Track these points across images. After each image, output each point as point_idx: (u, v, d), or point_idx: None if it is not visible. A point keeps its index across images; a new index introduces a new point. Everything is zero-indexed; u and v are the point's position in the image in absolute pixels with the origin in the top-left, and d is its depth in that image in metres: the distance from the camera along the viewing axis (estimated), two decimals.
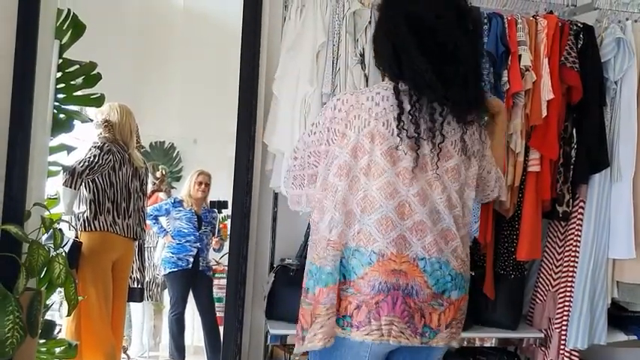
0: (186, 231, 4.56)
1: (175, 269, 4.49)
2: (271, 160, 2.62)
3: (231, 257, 2.47)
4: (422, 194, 1.50)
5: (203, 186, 4.65)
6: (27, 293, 2.23)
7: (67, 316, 2.64)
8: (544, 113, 2.42)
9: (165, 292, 4.87)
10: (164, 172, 5.22)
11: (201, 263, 4.59)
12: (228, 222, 4.78)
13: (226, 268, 4.98)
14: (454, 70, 1.50)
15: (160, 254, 4.67)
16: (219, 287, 4.87)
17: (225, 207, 4.74)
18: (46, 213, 2.66)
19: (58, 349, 2.66)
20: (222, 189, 4.62)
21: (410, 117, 1.50)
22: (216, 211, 4.80)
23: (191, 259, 4.53)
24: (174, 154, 5.95)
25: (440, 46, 1.50)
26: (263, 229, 2.71)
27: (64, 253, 2.46)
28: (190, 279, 4.53)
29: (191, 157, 5.81)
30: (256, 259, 2.66)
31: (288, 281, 2.60)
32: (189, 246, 4.54)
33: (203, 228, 4.65)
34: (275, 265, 2.70)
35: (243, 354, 2.49)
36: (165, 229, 4.64)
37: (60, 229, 2.52)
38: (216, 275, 4.97)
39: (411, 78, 1.52)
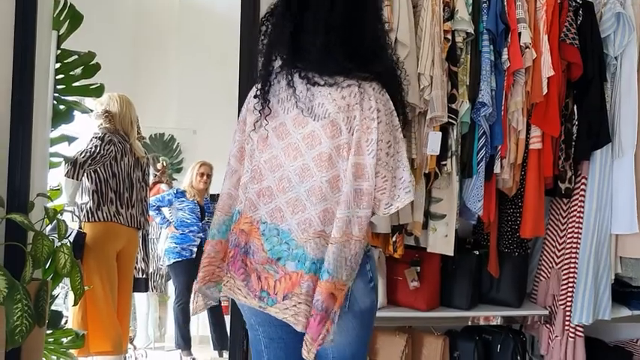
0: (189, 221, 4.57)
1: (179, 259, 4.51)
2: None
3: None
4: (272, 161, 1.55)
5: (205, 177, 4.66)
6: (33, 283, 2.24)
7: (74, 305, 2.64)
8: (545, 90, 2.43)
9: (170, 284, 4.88)
10: (165, 164, 5.23)
11: None
12: None
13: None
14: (289, 33, 1.53)
15: (163, 245, 4.68)
16: None
17: None
18: (50, 204, 2.67)
19: (65, 339, 2.67)
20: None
21: (260, 80, 1.58)
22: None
23: (195, 249, 4.54)
24: (175, 146, 5.95)
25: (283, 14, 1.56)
26: None
27: (68, 244, 2.47)
28: (194, 269, 4.52)
29: (191, 148, 5.80)
30: None
31: None
32: (192, 236, 4.56)
33: (206, 218, 4.66)
34: None
35: None
36: (168, 220, 4.65)
37: (63, 220, 2.52)
38: None
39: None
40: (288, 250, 1.52)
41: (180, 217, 4.59)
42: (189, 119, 5.65)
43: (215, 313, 4.56)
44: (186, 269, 4.54)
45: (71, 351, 2.74)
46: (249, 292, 1.57)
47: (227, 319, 4.26)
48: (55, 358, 2.64)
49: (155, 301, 5.05)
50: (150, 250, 4.12)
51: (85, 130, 3.20)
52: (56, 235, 2.42)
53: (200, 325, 4.94)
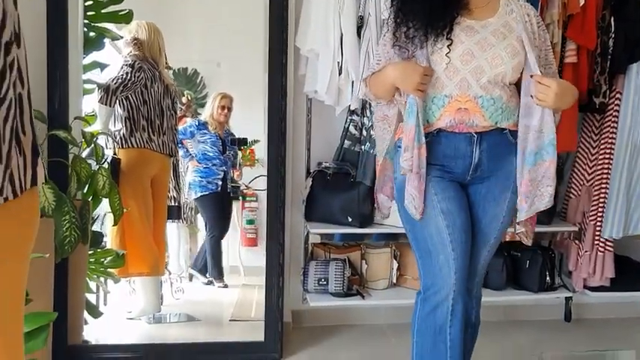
0: (211, 154, 4.60)
1: (206, 192, 4.57)
2: (304, 64, 2.62)
3: (270, 160, 2.52)
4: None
5: (226, 110, 4.65)
6: (76, 202, 2.31)
7: (114, 225, 2.73)
8: (581, 2, 2.37)
9: (199, 216, 4.97)
10: (190, 98, 5.22)
11: (229, 186, 4.67)
12: (256, 146, 4.82)
13: (256, 192, 5.06)
14: None
15: (189, 179, 4.74)
16: (250, 210, 4.97)
17: (245, 144, 4.77)
18: (87, 129, 2.72)
19: (105, 260, 2.77)
20: (249, 112, 4.62)
21: None
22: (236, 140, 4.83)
23: (220, 182, 4.59)
24: (198, 80, 5.92)
25: None
26: (298, 134, 2.75)
27: (106, 166, 2.53)
28: (221, 199, 4.62)
29: (215, 81, 5.76)
30: (293, 163, 2.71)
31: (325, 185, 2.67)
32: (215, 169, 4.60)
33: (227, 152, 4.70)
34: (312, 171, 2.75)
35: (286, 253, 2.58)
36: (190, 153, 4.69)
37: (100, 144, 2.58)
38: (247, 199, 5.05)
39: None
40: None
41: (201, 149, 4.61)
42: (212, 51, 5.59)
43: None
44: (213, 202, 4.60)
45: (112, 271, 2.85)
46: None
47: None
48: (96, 277, 2.76)
49: (185, 233, 5.16)
50: (181, 181, 4.18)
51: (115, 58, 3.22)
52: (93, 159, 2.49)
53: (229, 256, 5.07)
